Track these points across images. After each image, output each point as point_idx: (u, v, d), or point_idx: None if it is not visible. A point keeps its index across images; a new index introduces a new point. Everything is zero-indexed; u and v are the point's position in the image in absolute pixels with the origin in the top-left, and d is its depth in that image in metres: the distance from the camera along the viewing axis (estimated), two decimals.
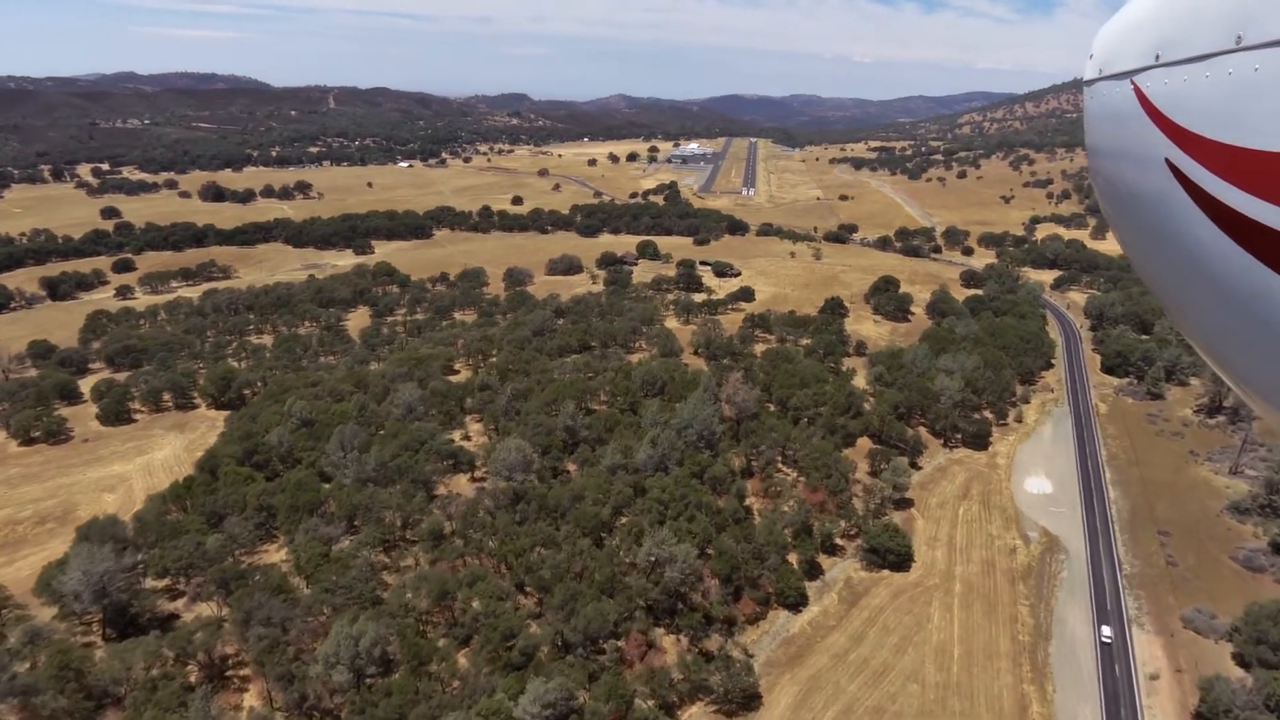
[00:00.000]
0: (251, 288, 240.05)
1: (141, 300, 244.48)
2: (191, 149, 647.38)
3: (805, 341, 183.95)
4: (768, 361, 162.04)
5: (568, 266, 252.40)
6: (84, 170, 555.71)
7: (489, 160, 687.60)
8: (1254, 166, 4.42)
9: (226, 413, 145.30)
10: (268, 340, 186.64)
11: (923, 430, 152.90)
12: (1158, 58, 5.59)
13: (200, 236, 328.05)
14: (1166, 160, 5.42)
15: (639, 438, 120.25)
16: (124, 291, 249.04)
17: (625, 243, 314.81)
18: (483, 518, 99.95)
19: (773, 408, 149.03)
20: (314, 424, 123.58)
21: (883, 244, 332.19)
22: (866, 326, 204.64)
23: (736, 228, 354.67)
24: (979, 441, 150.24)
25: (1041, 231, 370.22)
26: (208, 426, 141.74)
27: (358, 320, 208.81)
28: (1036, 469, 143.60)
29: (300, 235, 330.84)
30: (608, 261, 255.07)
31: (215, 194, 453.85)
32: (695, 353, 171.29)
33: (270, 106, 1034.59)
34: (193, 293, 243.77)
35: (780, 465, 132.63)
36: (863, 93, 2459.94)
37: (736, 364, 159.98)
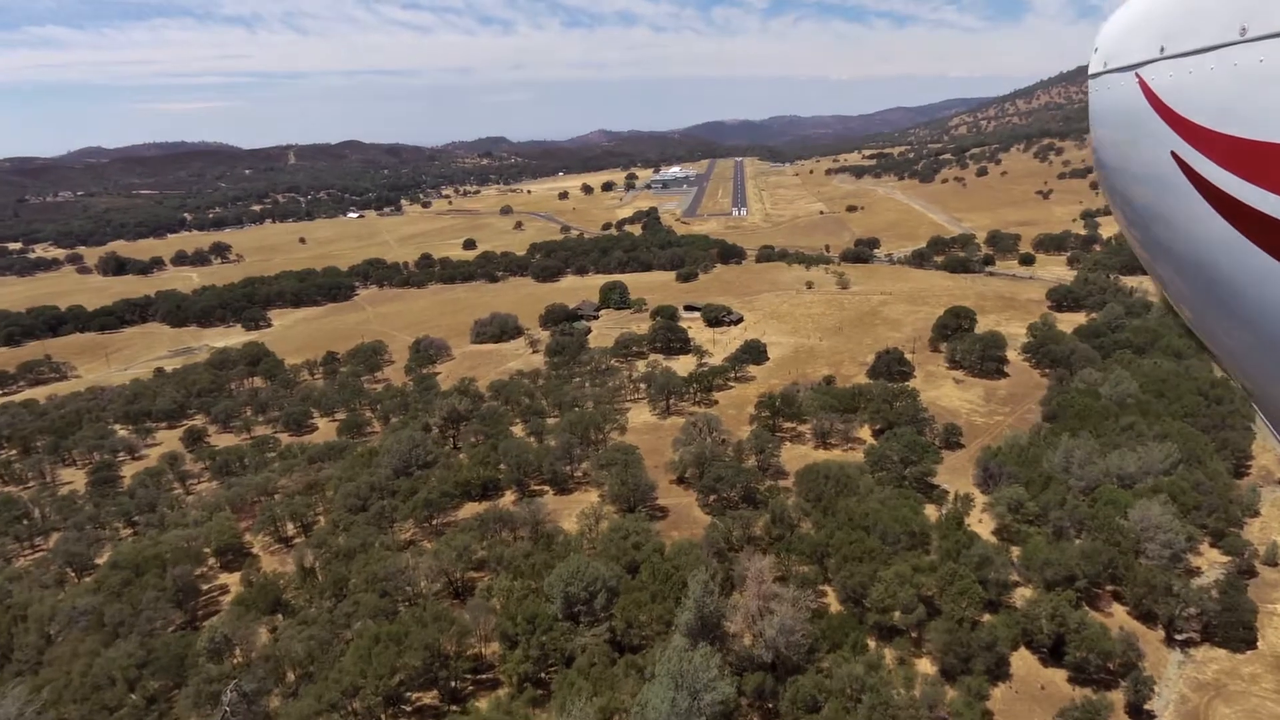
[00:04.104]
0: (54, 397, 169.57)
1: None
2: (118, 218, 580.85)
3: (863, 432, 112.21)
4: (809, 494, 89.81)
5: (499, 330, 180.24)
6: None
7: (450, 203, 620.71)
8: (1259, 158, 4.43)
9: None
10: None
11: (1117, 608, 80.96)
12: (1162, 50, 5.51)
13: (57, 322, 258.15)
14: (1172, 153, 5.33)
15: None
16: None
17: (591, 285, 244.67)
18: None
19: (834, 601, 76.96)
20: None
21: (918, 260, 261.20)
22: (946, 390, 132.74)
23: (730, 254, 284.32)
24: (1236, 628, 77.73)
25: (1104, 229, 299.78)
26: None
27: (170, 443, 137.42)
28: None
29: (180, 311, 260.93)
30: (556, 317, 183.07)
31: (116, 266, 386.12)
32: (679, 481, 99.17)
33: (223, 167, 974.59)
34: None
35: None
36: (842, 109, 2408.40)
37: (757, 509, 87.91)
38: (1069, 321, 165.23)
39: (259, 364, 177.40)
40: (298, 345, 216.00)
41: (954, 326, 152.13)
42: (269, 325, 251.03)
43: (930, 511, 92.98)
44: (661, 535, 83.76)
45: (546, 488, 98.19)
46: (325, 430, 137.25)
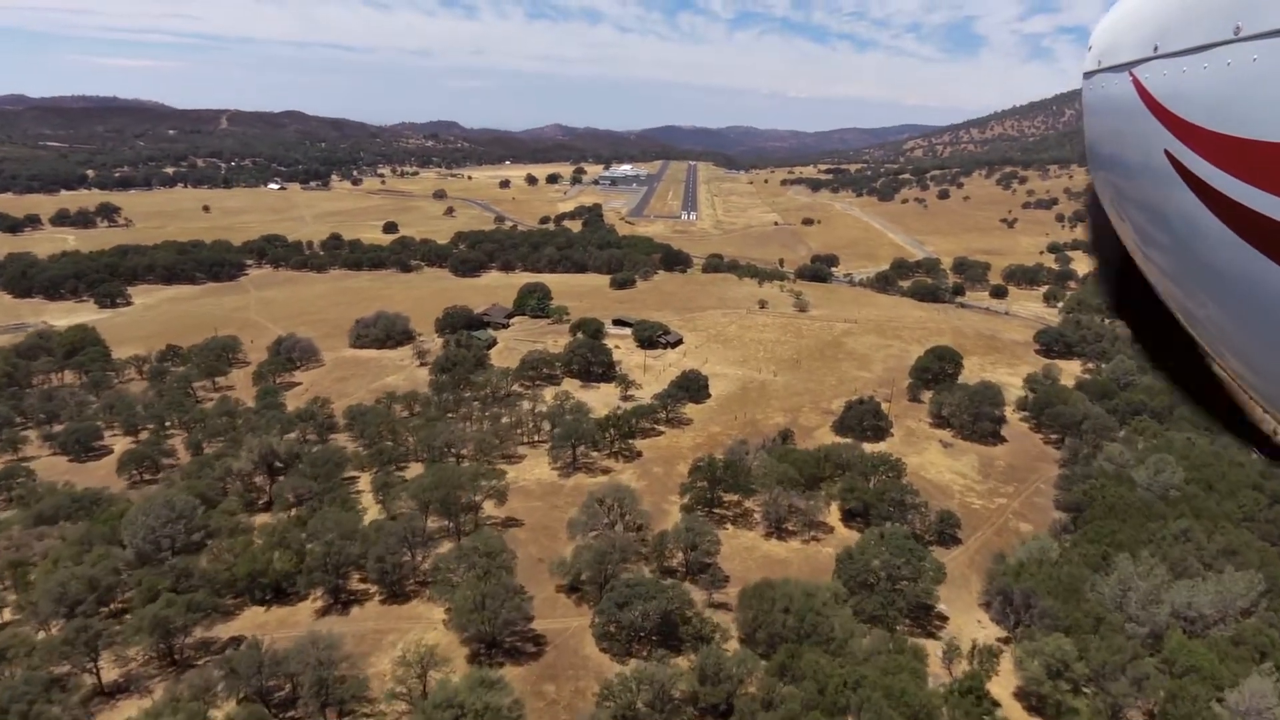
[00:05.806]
0: None
1: None
2: (11, 168, 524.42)
3: (832, 514, 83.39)
4: (759, 630, 60.31)
5: (385, 333, 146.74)
6: None
7: (383, 183, 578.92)
8: (1254, 157, 4.05)
9: None
10: None
11: None
12: (1156, 49, 5.05)
13: None
14: (1166, 152, 4.91)
15: None
16: None
17: (516, 283, 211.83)
18: None
19: None
20: None
21: (881, 283, 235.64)
22: (932, 456, 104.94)
23: (675, 261, 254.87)
24: None
25: (1077, 265, 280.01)
26: None
27: None
28: None
29: (26, 279, 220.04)
30: (455, 323, 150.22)
31: None
32: (570, 590, 68.55)
33: (147, 126, 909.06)
34: None
35: None
36: (798, 125, 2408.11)
37: (681, 648, 57.83)
38: (1065, 371, 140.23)
39: (77, 354, 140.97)
40: (154, 331, 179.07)
41: (937, 371, 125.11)
42: (128, 303, 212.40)
43: (929, 652, 64.37)
44: (526, 698, 53.09)
45: (372, 589, 66.56)
46: (121, 454, 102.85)
